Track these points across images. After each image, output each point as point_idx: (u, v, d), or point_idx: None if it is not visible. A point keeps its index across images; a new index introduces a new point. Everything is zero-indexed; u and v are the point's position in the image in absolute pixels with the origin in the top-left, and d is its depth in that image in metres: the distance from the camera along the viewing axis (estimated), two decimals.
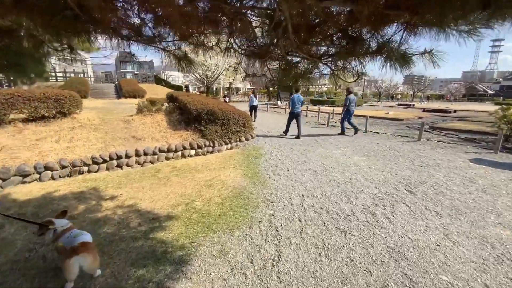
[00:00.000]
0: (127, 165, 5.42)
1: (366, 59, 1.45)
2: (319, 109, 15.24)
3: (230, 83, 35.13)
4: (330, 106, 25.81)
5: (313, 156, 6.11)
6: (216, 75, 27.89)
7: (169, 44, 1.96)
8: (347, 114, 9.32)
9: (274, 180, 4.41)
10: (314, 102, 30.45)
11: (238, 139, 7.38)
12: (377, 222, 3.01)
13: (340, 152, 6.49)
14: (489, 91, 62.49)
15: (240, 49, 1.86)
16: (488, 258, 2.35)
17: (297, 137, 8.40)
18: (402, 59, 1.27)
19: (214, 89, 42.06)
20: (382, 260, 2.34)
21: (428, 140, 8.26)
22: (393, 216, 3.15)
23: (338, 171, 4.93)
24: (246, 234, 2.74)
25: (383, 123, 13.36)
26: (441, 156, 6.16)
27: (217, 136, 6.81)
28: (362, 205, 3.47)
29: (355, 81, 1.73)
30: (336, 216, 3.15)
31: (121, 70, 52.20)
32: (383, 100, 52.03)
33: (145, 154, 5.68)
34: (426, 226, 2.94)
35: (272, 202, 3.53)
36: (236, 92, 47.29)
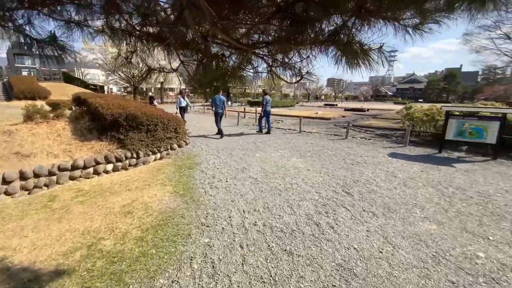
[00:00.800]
0: (6, 193, 3.92)
1: (314, 51, 1.09)
2: (255, 111, 15.27)
3: (162, 83, 32.29)
4: None
5: (253, 161, 5.78)
6: (144, 74, 25.08)
7: (9, 15, 1.17)
8: (265, 114, 9.98)
9: (211, 195, 3.83)
10: (251, 104, 30.89)
11: (169, 147, 6.46)
12: (323, 234, 2.80)
13: (279, 155, 6.37)
14: (389, 93, 76.68)
15: (134, 31, 1.25)
16: (426, 260, 2.38)
17: (219, 133, 8.99)
18: (363, 52, 0.94)
19: (145, 89, 37.98)
20: (334, 284, 2.08)
21: (353, 137, 9.08)
22: (336, 224, 3.02)
23: (279, 176, 4.70)
24: (173, 281, 2.09)
25: (314, 123, 14.32)
26: (366, 153, 6.73)
27: (142, 145, 5.75)
28: (306, 214, 3.26)
29: (298, 81, 1.37)
30: (281, 233, 2.81)
31: (16, 64, 41.76)
32: (312, 100, 57.30)
33: (36, 175, 4.26)
34: (367, 230, 2.89)
35: (208, 226, 2.95)
36: (170, 93, 44.03)
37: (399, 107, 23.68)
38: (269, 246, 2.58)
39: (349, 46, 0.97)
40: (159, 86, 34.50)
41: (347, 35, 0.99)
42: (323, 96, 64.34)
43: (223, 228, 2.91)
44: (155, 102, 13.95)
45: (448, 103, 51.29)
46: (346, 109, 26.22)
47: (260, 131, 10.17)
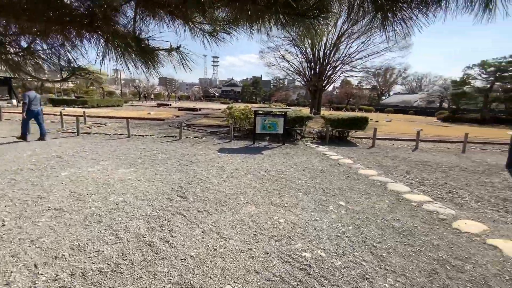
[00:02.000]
0: None
1: (71, 36, 0.74)
2: (61, 113, 11.48)
3: None
4: (81, 107, 21.20)
5: (57, 183, 4.21)
6: None
7: None
8: (31, 115, 7.66)
9: None
10: (56, 102, 23.14)
11: None
12: (157, 254, 2.49)
13: (99, 169, 5.12)
14: (216, 94, 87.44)
15: None
16: (249, 241, 2.77)
17: None
18: (141, 51, 0.74)
19: None
20: None
21: (187, 137, 9.27)
22: (172, 236, 2.81)
23: (99, 198, 3.74)
24: None
25: (146, 124, 13.16)
26: (199, 151, 7.07)
27: None
28: (136, 237, 2.77)
29: (65, 79, 0.95)
30: (99, 276, 2.17)
31: None
32: (143, 100, 52.81)
33: None
34: (203, 232, 2.94)
35: None
36: None
37: (224, 106, 27.48)
38: None
39: (120, 37, 0.74)
40: None
41: (116, 23, 0.76)
42: (152, 95, 60.43)
43: None
44: None
45: (256, 104, 66.86)
46: (180, 109, 26.62)
47: (23, 137, 7.51)
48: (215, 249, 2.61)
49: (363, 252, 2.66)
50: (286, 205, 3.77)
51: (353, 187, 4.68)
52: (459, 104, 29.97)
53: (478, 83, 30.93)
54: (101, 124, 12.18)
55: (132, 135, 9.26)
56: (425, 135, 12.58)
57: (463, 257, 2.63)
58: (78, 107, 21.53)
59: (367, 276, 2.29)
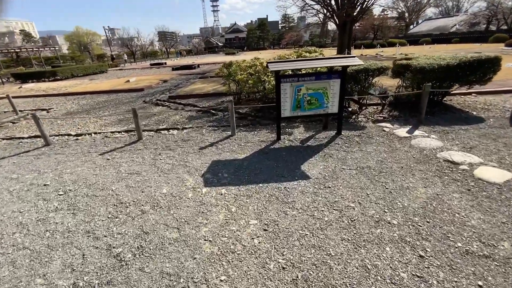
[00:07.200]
0: None
1: None
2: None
3: None
4: (52, 80, 17.14)
5: None
6: None
7: None
8: None
9: None
10: (22, 77, 18.88)
11: None
12: None
13: None
14: (220, 44, 77.90)
15: None
16: None
17: None
18: None
19: None
20: None
21: (156, 133, 5.21)
22: None
23: None
24: None
25: (113, 102, 9.03)
26: (165, 181, 3.12)
27: None
28: None
29: None
30: None
31: None
32: (138, 60, 47.00)
33: None
34: None
35: None
36: None
37: (229, 58, 22.12)
38: None
39: None
40: None
41: None
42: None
43: None
44: None
45: (265, 50, 58.21)
46: (174, 68, 21.75)
47: None
48: None
49: None
50: None
51: None
52: None
53: None
54: (45, 109, 8.23)
55: (59, 136, 5.34)
56: None
57: None
58: (48, 81, 17.48)
59: None
